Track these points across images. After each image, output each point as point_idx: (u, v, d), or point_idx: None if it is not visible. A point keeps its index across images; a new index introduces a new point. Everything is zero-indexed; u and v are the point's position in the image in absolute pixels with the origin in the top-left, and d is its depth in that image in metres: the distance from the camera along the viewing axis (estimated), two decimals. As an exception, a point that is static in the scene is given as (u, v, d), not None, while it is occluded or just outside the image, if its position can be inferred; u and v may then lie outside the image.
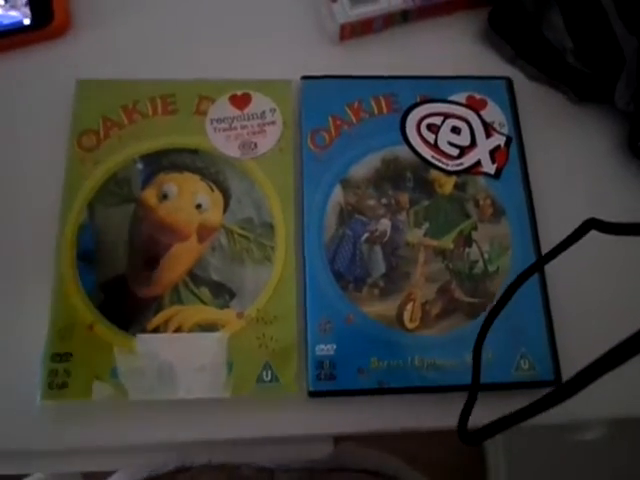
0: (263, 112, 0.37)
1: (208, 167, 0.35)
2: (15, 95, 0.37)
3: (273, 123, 0.36)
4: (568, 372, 0.32)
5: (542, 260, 0.25)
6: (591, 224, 0.22)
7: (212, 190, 0.35)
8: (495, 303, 0.26)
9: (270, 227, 0.34)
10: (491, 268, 0.34)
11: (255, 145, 0.36)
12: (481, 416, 0.22)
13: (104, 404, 0.30)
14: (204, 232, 0.34)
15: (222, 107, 0.36)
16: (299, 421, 0.32)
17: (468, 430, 0.22)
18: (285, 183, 0.35)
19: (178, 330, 0.32)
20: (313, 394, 0.31)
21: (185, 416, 0.31)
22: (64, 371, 0.30)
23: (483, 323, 0.27)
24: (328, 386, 0.31)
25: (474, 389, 0.24)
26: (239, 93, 0.37)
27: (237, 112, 0.36)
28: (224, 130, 0.36)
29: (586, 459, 0.75)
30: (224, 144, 0.36)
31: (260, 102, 0.37)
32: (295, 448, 0.34)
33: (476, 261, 0.34)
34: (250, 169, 0.35)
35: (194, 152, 0.35)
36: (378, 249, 0.34)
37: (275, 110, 0.37)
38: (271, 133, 0.36)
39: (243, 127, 0.36)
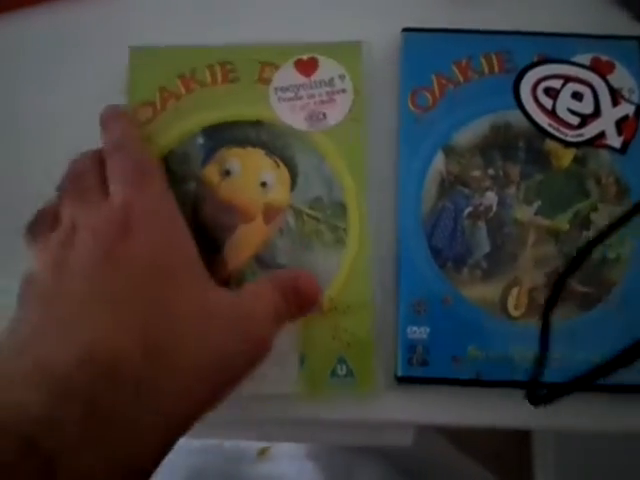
0: (332, 79, 0.33)
1: (273, 141, 0.32)
2: (66, 62, 0.35)
3: (343, 91, 0.33)
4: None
5: (612, 227, 0.29)
6: None
7: (277, 166, 0.32)
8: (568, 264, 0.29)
9: (342, 207, 0.31)
10: (611, 255, 0.30)
11: (324, 115, 0.32)
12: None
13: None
14: (270, 212, 0.31)
15: (287, 74, 0.33)
16: (383, 407, 0.29)
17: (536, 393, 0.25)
18: (358, 158, 0.31)
19: (245, 319, 0.29)
20: (402, 380, 0.29)
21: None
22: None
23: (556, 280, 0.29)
24: (420, 372, 0.29)
25: (544, 348, 0.27)
26: (305, 58, 0.33)
27: (303, 79, 0.33)
28: (289, 99, 0.33)
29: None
30: (290, 115, 0.32)
31: (328, 67, 0.33)
32: (371, 434, 0.32)
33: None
34: (319, 142, 0.32)
35: (257, 124, 0.32)
36: (482, 226, 0.31)
37: (344, 76, 0.33)
38: (341, 102, 0.32)
39: (310, 96, 0.33)
